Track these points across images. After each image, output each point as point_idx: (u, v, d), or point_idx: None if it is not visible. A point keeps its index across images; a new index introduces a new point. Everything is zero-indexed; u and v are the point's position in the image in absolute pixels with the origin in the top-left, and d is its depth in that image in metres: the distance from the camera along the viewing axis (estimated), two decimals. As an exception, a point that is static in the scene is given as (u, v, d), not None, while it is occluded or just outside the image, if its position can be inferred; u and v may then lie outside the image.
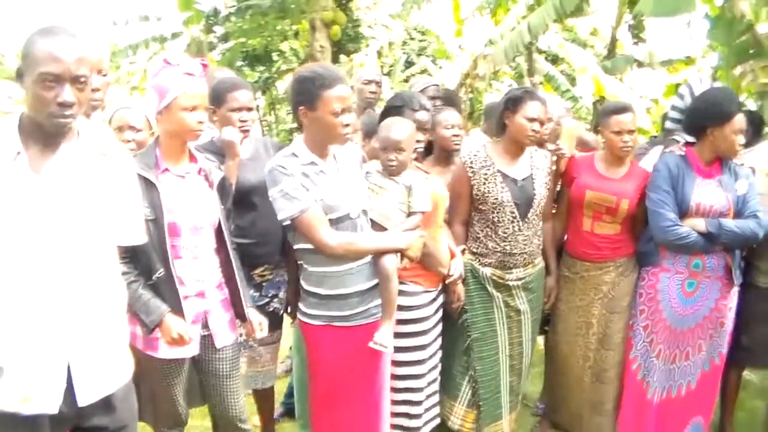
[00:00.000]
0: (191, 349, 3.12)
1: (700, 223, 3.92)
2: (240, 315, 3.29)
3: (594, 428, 4.37)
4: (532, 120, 3.86)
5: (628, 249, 4.23)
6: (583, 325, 4.27)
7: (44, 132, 2.31)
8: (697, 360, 4.17)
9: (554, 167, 4.26)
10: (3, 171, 2.26)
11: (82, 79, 2.26)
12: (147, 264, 2.97)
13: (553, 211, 4.40)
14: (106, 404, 2.52)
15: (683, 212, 3.94)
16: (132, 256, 2.88)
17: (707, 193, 3.96)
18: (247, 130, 3.71)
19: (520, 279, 4.05)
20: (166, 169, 3.07)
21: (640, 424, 4.21)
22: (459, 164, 4.00)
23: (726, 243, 3.96)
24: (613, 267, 4.20)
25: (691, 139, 4.12)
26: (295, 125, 16.26)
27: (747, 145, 4.74)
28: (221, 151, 3.58)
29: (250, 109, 3.73)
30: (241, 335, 3.52)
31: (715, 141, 3.94)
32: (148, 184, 2.94)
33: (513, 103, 3.90)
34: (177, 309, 3.01)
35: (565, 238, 4.41)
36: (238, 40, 18.93)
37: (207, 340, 3.20)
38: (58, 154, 2.35)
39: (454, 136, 4.10)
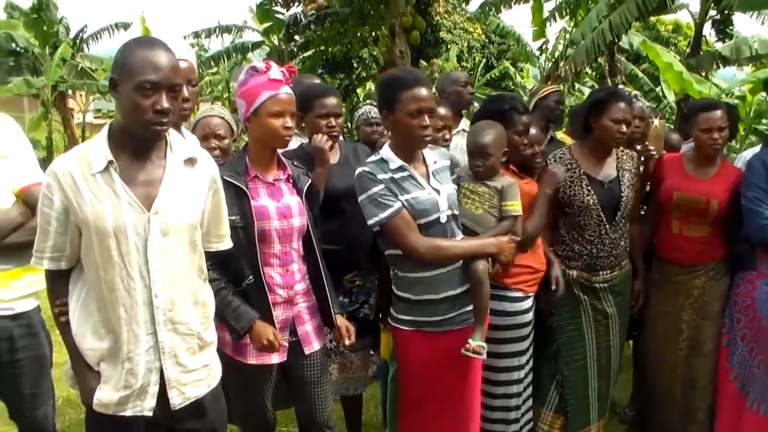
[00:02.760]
0: (279, 356, 3.15)
1: None
2: (328, 322, 3.31)
3: (687, 438, 4.25)
4: (618, 122, 3.79)
5: (718, 252, 4.12)
6: (672, 331, 4.16)
7: (136, 141, 2.39)
8: None
9: (641, 168, 4.17)
10: (95, 180, 2.33)
11: (177, 88, 2.35)
12: (236, 271, 3.02)
13: (642, 213, 4.31)
14: (197, 408, 2.60)
15: None
16: (221, 262, 2.93)
17: None
18: (336, 136, 3.74)
19: (606, 281, 3.98)
20: (256, 176, 3.12)
21: (733, 428, 4.06)
22: (545, 168, 3.93)
23: None
24: (704, 271, 4.09)
25: None
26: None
27: None
28: (310, 158, 3.62)
29: (338, 115, 3.75)
30: (331, 341, 3.55)
31: None
32: (238, 192, 3.00)
33: (598, 105, 3.84)
34: (266, 315, 3.05)
35: (654, 241, 4.30)
36: (318, 47, 19.16)
37: (295, 347, 3.22)
38: (149, 163, 2.43)
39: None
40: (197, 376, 2.57)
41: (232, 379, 2.99)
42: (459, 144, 4.42)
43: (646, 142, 4.31)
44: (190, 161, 2.51)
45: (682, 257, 4.10)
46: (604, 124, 3.81)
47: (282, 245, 3.12)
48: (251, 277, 3.03)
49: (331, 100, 3.72)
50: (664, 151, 4.53)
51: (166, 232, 2.39)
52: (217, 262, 2.87)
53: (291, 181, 3.23)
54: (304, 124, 3.76)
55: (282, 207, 3.12)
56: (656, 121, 4.80)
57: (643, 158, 4.20)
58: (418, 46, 14.61)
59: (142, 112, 2.28)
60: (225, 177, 2.87)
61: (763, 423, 3.99)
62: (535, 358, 3.93)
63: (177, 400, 2.50)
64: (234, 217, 2.91)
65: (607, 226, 3.88)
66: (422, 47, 17.15)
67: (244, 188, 3.03)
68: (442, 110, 3.95)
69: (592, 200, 3.85)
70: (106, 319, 2.41)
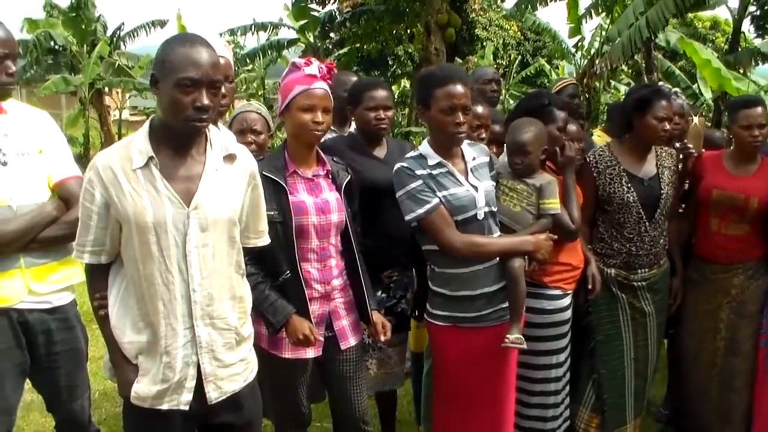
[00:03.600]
0: (315, 350, 3.17)
1: None
2: (365, 317, 3.32)
3: (719, 438, 4.22)
4: (662, 119, 3.78)
5: (758, 251, 4.08)
6: (709, 330, 4.13)
7: (176, 137, 2.42)
8: None
9: (681, 166, 4.14)
10: (136, 175, 2.37)
11: (217, 84, 2.37)
12: (274, 265, 3.05)
13: (680, 211, 4.28)
14: (233, 402, 2.62)
15: None
16: (258, 257, 2.96)
17: None
18: (384, 128, 3.75)
19: (645, 279, 3.96)
20: (294, 172, 3.15)
21: None
22: (584, 165, 3.92)
23: None
24: (742, 270, 4.06)
25: None
26: (410, 128, 16.39)
27: None
28: (348, 147, 3.65)
29: (387, 108, 3.75)
30: (369, 337, 3.56)
31: None
32: (277, 187, 3.03)
33: (642, 103, 3.81)
34: (302, 310, 3.07)
35: (693, 239, 4.27)
36: (353, 45, 19.21)
37: (331, 342, 3.24)
38: (189, 159, 2.45)
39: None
40: (234, 371, 2.59)
41: (267, 373, 3.01)
42: None
43: (685, 140, 4.28)
44: (230, 157, 2.53)
45: (721, 255, 4.07)
46: (647, 122, 3.79)
47: (320, 240, 3.14)
48: (288, 272, 3.06)
49: (381, 93, 3.72)
50: (704, 150, 4.49)
51: (204, 228, 2.41)
52: (254, 256, 2.90)
53: (330, 176, 3.25)
54: (353, 117, 3.79)
55: (320, 202, 3.14)
56: (695, 119, 4.76)
57: (681, 156, 4.17)
58: (453, 43, 14.61)
59: (183, 108, 2.30)
60: (264, 172, 2.90)
61: None
62: (573, 357, 3.91)
63: (214, 394, 2.53)
64: (272, 213, 2.94)
65: (647, 223, 3.86)
66: (457, 44, 17.16)
67: (283, 183, 3.06)
68: (479, 108, 3.94)
69: (631, 197, 3.83)
70: (144, 312, 2.44)
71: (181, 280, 2.40)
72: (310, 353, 3.17)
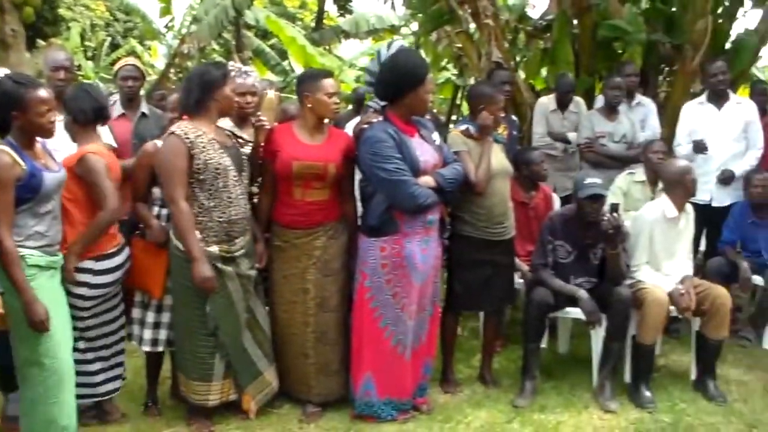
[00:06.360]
0: None
1: (430, 180, 4.15)
2: None
3: (325, 390, 4.48)
4: (243, 95, 4.17)
5: (337, 212, 4.38)
6: (299, 292, 4.33)
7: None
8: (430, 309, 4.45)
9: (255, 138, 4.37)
10: None
11: None
12: None
13: (258, 185, 4.49)
14: None
15: (415, 173, 4.11)
16: None
17: (423, 150, 4.20)
18: None
19: (242, 248, 4.12)
20: None
21: (394, 378, 4.35)
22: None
23: (450, 192, 4.26)
24: (323, 231, 4.31)
25: (383, 103, 4.34)
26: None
27: None
28: None
29: None
30: None
31: (411, 103, 4.17)
32: None
33: (211, 83, 3.99)
34: None
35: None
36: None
37: None
38: None
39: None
40: None
41: None
42: None
43: (259, 113, 4.44)
44: None
45: (303, 221, 4.28)
46: (224, 93, 4.03)
47: None
48: None
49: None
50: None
51: None
52: None
53: None
54: None
55: None
56: (270, 93, 4.96)
57: (255, 128, 4.36)
58: (32, 24, 13.61)
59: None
60: None
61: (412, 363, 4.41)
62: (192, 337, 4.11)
63: None
64: None
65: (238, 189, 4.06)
66: (38, 25, 16.03)
67: None
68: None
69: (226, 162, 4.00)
70: None
71: None
72: None
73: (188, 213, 3.91)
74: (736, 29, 7.97)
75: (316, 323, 4.36)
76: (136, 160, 4.34)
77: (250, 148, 4.38)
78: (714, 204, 6.11)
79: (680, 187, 4.90)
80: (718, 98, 6.23)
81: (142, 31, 21.08)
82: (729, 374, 5.20)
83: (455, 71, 11.50)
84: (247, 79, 4.44)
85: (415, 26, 11.29)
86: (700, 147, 6.02)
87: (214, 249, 3.99)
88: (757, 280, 5.78)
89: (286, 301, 4.38)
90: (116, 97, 5.74)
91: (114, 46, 22.62)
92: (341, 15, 18.22)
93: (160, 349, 4.32)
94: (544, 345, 5.12)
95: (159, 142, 4.17)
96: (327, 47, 15.96)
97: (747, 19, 8.09)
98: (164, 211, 4.21)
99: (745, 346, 5.82)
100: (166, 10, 14.66)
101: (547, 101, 6.84)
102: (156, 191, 4.21)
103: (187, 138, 3.90)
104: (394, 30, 14.66)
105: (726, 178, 6.03)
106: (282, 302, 4.41)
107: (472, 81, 8.68)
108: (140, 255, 4.16)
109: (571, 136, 6.55)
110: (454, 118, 10.89)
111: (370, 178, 4.18)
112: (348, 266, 4.40)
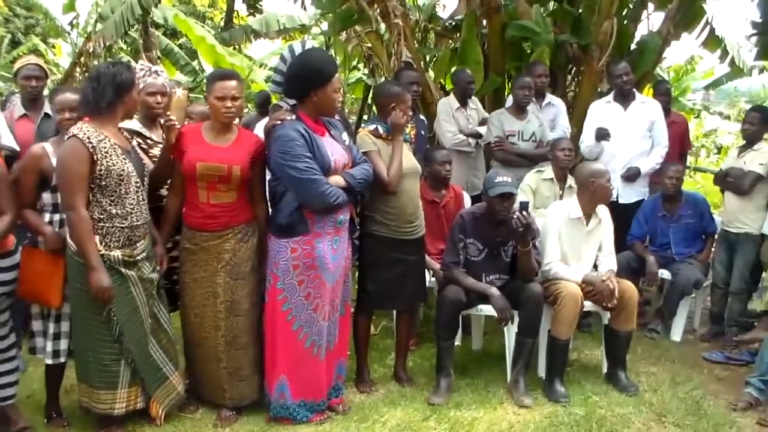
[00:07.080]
0: None
1: (341, 180, 4.14)
2: None
3: (238, 395, 4.43)
4: (152, 94, 4.31)
5: (246, 214, 4.32)
6: (209, 295, 4.27)
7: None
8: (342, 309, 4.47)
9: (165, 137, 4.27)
10: None
11: None
12: None
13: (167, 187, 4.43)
14: None
15: (326, 173, 4.09)
16: None
17: (333, 149, 4.19)
18: None
19: (144, 251, 4.04)
20: None
21: (309, 379, 4.33)
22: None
23: (360, 191, 4.33)
24: (232, 234, 4.25)
25: (293, 102, 4.31)
26: None
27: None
28: None
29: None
30: None
31: (319, 102, 4.14)
32: None
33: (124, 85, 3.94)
34: None
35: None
36: None
37: None
38: None
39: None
40: None
41: None
42: None
43: (168, 113, 4.35)
44: None
45: (211, 224, 4.21)
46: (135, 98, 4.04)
47: None
48: None
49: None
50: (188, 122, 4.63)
51: None
52: None
53: None
54: None
55: None
56: (180, 92, 4.87)
57: (165, 128, 4.23)
58: None
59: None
60: None
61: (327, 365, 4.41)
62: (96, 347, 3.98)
63: None
64: None
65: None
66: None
67: None
68: None
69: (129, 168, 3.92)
70: None
71: None
72: None
73: (88, 221, 3.80)
74: (641, 31, 8.26)
75: (227, 327, 4.30)
76: (23, 165, 4.11)
77: (159, 149, 4.30)
78: (620, 201, 6.30)
79: (587, 191, 5.02)
80: (624, 98, 6.44)
81: (44, 28, 20.46)
82: (639, 366, 5.38)
83: (366, 71, 11.52)
84: (158, 78, 4.40)
85: (325, 26, 11.24)
86: (601, 134, 6.24)
87: (117, 253, 3.89)
88: (665, 274, 5.98)
89: (197, 305, 4.32)
90: (17, 97, 5.56)
91: (14, 44, 21.85)
92: (251, 14, 18.09)
93: (63, 360, 4.19)
94: (457, 342, 5.21)
95: (47, 145, 4.03)
96: (237, 47, 15.77)
97: (650, 21, 8.34)
98: (56, 217, 4.07)
99: (653, 339, 6.03)
100: (69, 7, 14.29)
101: (449, 100, 6.85)
102: (46, 197, 4.06)
103: (90, 143, 3.78)
104: (304, 30, 14.57)
105: (631, 175, 6.25)
106: (193, 306, 4.34)
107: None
108: (34, 264, 4.00)
109: (481, 129, 6.62)
110: (365, 117, 10.89)
111: (280, 176, 4.14)
112: (259, 270, 4.35)
